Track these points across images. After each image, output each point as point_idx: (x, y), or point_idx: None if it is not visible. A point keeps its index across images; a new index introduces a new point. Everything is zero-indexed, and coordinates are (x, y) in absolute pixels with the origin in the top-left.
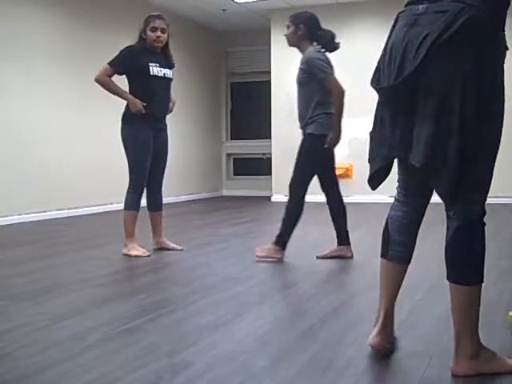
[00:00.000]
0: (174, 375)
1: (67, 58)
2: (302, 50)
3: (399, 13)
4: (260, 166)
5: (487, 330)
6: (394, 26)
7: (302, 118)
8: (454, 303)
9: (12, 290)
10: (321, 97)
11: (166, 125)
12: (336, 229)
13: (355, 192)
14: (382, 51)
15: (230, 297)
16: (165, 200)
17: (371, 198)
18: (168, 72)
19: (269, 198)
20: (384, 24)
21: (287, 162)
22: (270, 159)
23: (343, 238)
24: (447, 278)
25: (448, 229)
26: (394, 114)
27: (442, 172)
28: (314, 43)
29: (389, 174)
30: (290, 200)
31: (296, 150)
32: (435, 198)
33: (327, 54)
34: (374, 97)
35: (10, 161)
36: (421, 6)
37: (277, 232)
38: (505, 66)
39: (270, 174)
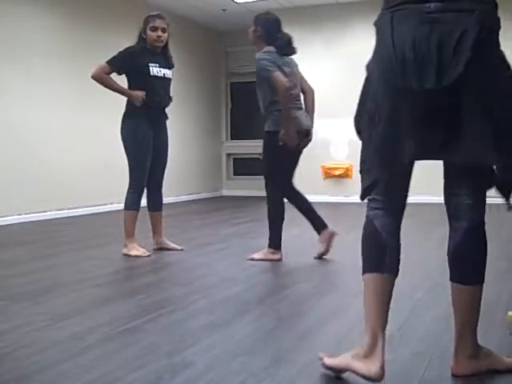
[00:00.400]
0: (174, 375)
1: (67, 58)
2: (259, 51)
3: (392, 11)
4: (260, 166)
5: (486, 330)
6: (392, 26)
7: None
8: (456, 303)
9: (12, 290)
10: (272, 96)
11: (166, 116)
12: (309, 220)
13: (355, 192)
14: (390, 51)
15: (229, 297)
16: (165, 200)
17: None
18: (168, 72)
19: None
20: None
21: None
22: None
23: (319, 224)
24: (450, 279)
25: (454, 230)
26: (428, 115)
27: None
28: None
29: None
30: (267, 201)
31: None
32: (437, 198)
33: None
34: None
35: (10, 161)
36: (432, 5)
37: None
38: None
39: None
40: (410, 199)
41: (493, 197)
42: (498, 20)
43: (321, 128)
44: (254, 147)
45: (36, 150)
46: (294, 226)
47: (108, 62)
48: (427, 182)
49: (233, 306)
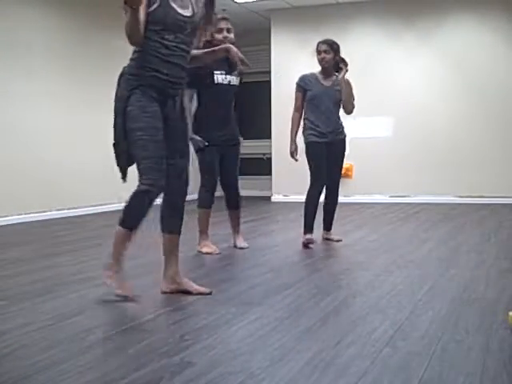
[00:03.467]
0: (174, 375)
1: (67, 58)
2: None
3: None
4: (260, 166)
5: (487, 330)
6: None
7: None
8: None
9: (12, 289)
10: None
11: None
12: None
13: (355, 192)
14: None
15: (230, 297)
16: None
17: (371, 198)
18: None
19: (269, 197)
20: (384, 24)
21: (287, 162)
22: (270, 159)
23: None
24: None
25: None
26: None
27: None
28: None
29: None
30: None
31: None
32: (437, 198)
33: None
34: (373, 97)
35: (10, 161)
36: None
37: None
38: (502, 68)
39: (270, 174)
40: (411, 199)
41: (493, 197)
42: None
43: None
44: (254, 147)
45: (36, 150)
46: (295, 226)
47: None
48: (427, 182)
49: (233, 306)
